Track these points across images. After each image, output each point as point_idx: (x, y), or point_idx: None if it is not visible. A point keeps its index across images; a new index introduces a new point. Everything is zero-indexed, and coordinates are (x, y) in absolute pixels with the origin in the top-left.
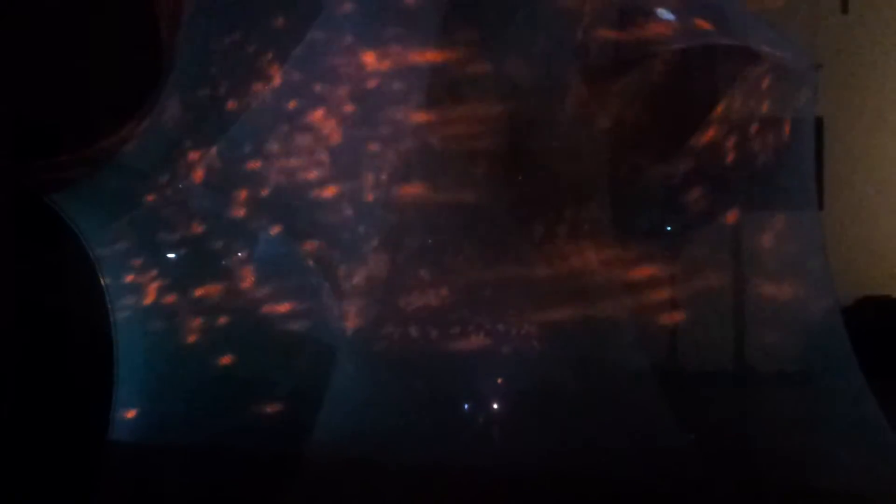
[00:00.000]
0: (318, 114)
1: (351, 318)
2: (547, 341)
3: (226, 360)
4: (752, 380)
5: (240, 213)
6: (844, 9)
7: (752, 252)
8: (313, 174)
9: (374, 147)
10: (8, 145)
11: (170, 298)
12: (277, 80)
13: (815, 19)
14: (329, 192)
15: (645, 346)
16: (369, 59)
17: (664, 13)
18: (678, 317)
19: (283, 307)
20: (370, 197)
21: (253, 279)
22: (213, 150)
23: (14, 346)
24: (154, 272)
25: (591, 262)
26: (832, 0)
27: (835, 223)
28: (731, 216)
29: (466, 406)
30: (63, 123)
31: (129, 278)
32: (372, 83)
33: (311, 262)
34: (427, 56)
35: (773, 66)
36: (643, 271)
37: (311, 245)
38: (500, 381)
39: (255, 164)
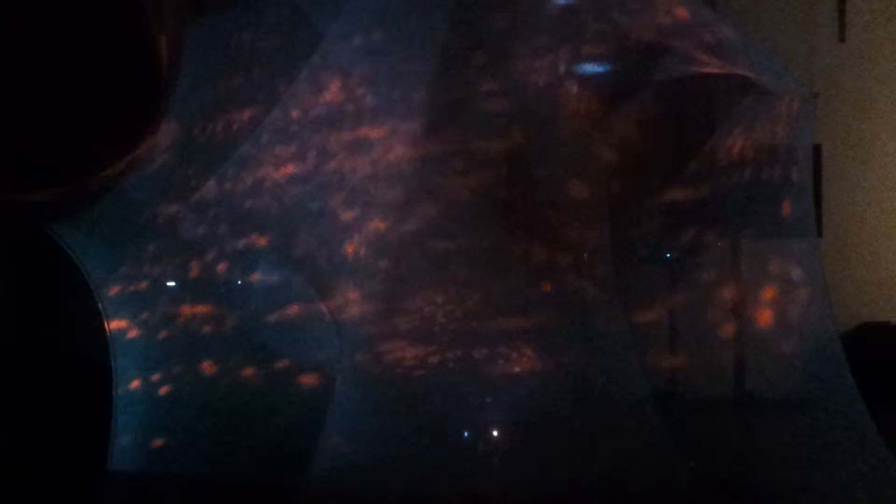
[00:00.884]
0: (316, 144)
1: (349, 344)
2: (546, 369)
3: (224, 388)
4: (752, 406)
5: (237, 239)
6: (841, 38)
7: (752, 279)
8: (312, 202)
9: (372, 175)
10: (8, 175)
11: (168, 327)
12: (277, 111)
13: (813, 48)
14: (328, 218)
15: (645, 374)
16: (368, 92)
17: None
18: (678, 344)
19: (282, 333)
20: (369, 224)
21: (251, 305)
22: (212, 178)
23: (12, 374)
24: (153, 300)
25: (591, 288)
26: (829, 30)
27: (834, 250)
28: (731, 243)
29: (466, 434)
30: (63, 153)
31: (127, 306)
32: (371, 114)
33: (309, 288)
34: (427, 89)
35: (771, 95)
36: (643, 298)
37: (309, 271)
38: (499, 408)
39: (252, 192)
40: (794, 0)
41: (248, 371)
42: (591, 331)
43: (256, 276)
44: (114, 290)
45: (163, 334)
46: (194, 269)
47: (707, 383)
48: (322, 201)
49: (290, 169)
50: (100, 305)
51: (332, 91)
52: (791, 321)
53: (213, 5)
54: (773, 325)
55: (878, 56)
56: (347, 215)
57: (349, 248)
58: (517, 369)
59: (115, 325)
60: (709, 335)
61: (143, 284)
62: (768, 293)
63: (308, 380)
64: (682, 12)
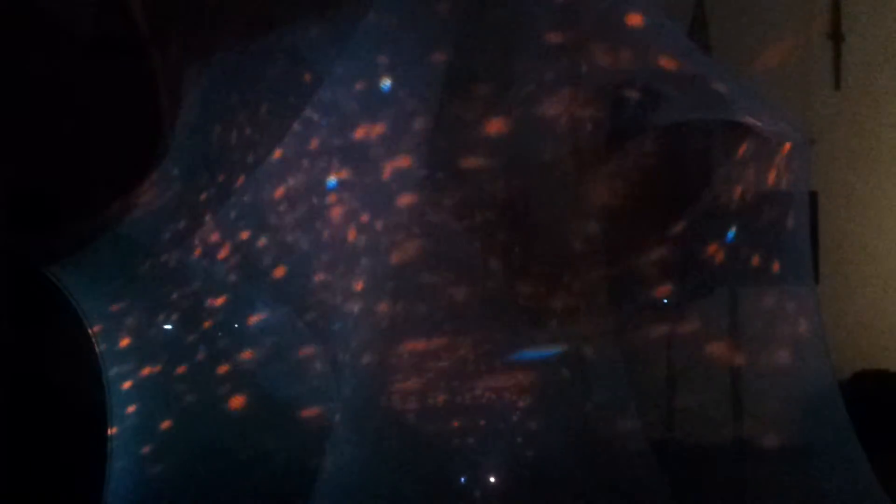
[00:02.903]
0: (316, 186)
1: (347, 385)
2: (543, 415)
3: (221, 430)
4: (750, 453)
5: (236, 280)
6: (837, 84)
7: (749, 325)
8: (313, 245)
9: (371, 219)
10: (5, 216)
11: (166, 367)
12: (277, 153)
13: (808, 95)
14: (328, 262)
15: (642, 419)
16: (369, 130)
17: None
18: (675, 389)
19: (280, 376)
20: (368, 267)
21: (250, 348)
22: (213, 222)
23: (7, 417)
24: (150, 342)
25: (587, 334)
26: (824, 76)
27: (831, 296)
28: (727, 289)
29: (463, 479)
30: (62, 195)
31: (124, 345)
32: (371, 156)
33: (308, 331)
34: (427, 125)
35: (767, 141)
36: (640, 344)
37: (308, 314)
38: (499, 446)
39: (253, 235)
40: (790, 46)
41: (248, 412)
42: (590, 377)
43: (255, 318)
44: (111, 333)
45: (160, 375)
46: (192, 311)
47: (705, 430)
48: (323, 243)
49: (291, 212)
50: (97, 348)
51: (334, 134)
52: (788, 368)
53: (214, 52)
54: (771, 371)
55: (874, 103)
56: (348, 259)
57: (349, 291)
58: (514, 416)
59: (111, 368)
60: (706, 382)
61: (141, 328)
62: (765, 340)
63: (307, 421)
64: (679, 58)
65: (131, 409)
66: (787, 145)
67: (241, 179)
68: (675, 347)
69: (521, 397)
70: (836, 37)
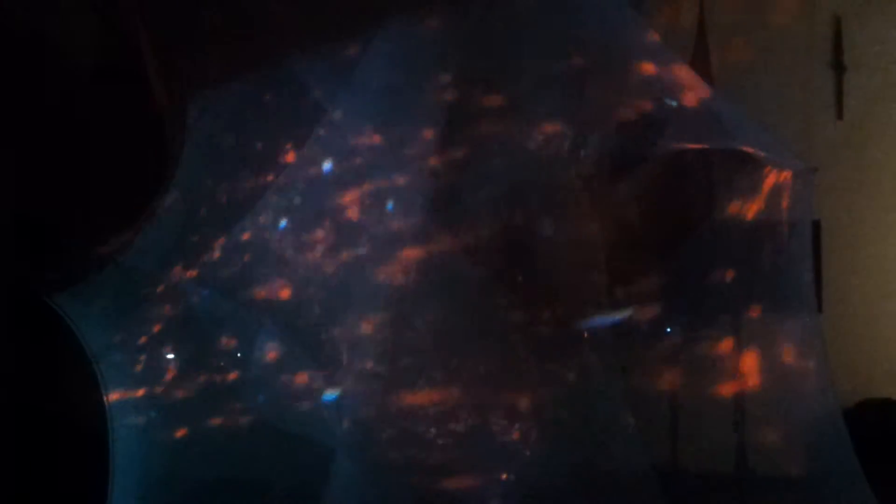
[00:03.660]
0: (318, 213)
1: (349, 416)
2: (546, 444)
3: (223, 458)
4: (753, 484)
5: (238, 309)
6: (839, 114)
7: (752, 354)
8: (314, 272)
9: (376, 252)
10: (9, 245)
11: (167, 398)
12: (282, 179)
13: (811, 125)
14: (330, 290)
15: (645, 449)
16: (370, 171)
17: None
18: (679, 419)
19: (281, 404)
20: (371, 298)
21: (251, 375)
22: (216, 250)
23: (8, 444)
24: (152, 371)
25: (590, 363)
26: (827, 106)
27: (834, 325)
28: (731, 318)
29: None
30: (65, 224)
31: (126, 378)
32: (372, 185)
33: (309, 360)
34: (428, 159)
35: (770, 169)
36: (643, 373)
37: (310, 342)
38: (503, 476)
39: (254, 264)
40: (793, 78)
41: (250, 442)
42: (593, 407)
43: (257, 348)
44: (113, 362)
45: (162, 406)
46: (195, 340)
47: (708, 460)
48: (325, 273)
49: (291, 242)
50: (98, 377)
51: (337, 165)
52: (792, 397)
53: (217, 79)
54: (775, 401)
55: (876, 132)
56: (350, 289)
57: (350, 320)
58: (516, 444)
59: (113, 396)
60: (709, 411)
61: (143, 356)
62: (769, 369)
63: (308, 453)
64: (682, 88)
65: (133, 438)
66: (790, 174)
67: (244, 208)
68: (677, 376)
69: (521, 424)
70: (838, 67)
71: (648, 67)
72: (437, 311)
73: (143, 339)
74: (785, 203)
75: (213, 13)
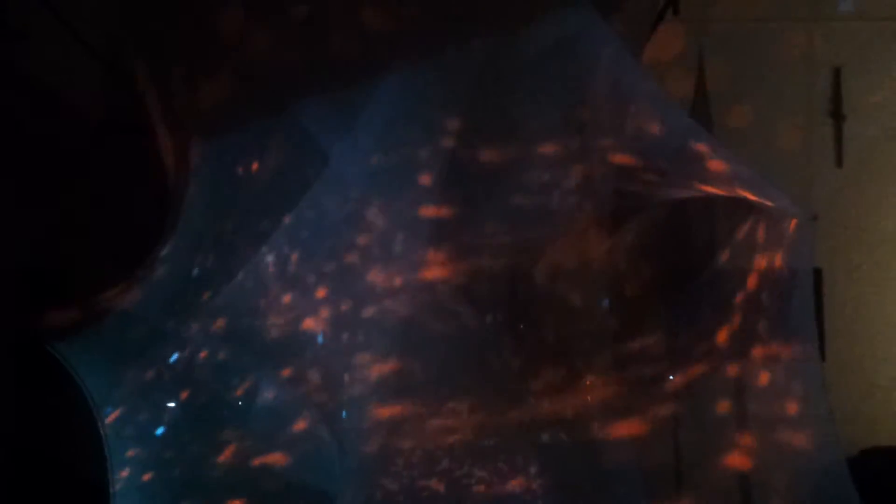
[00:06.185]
0: (321, 257)
1: (352, 464)
2: (550, 491)
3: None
4: None
5: (239, 360)
6: (839, 162)
7: (755, 402)
8: (316, 324)
9: (377, 303)
10: (11, 292)
11: (169, 447)
12: (285, 225)
13: (810, 172)
14: (331, 339)
15: (649, 494)
16: (372, 217)
17: None
18: (682, 464)
19: (282, 455)
20: (371, 344)
21: (253, 424)
22: (219, 297)
23: (9, 491)
24: (153, 420)
25: (594, 410)
26: (826, 154)
27: (837, 374)
28: (733, 366)
29: None
30: (67, 272)
31: (128, 427)
32: (373, 239)
33: (309, 402)
34: (429, 212)
35: (771, 217)
36: (647, 419)
37: (312, 390)
38: None
39: (255, 315)
40: (792, 125)
41: (252, 483)
42: (596, 454)
43: (259, 399)
44: (114, 412)
45: (164, 456)
46: (197, 388)
47: None
48: (328, 317)
49: (295, 288)
50: (100, 425)
51: (340, 215)
52: (796, 446)
53: (219, 129)
54: (778, 450)
55: (876, 180)
56: (350, 341)
57: (351, 359)
58: (518, 492)
59: (114, 444)
60: (713, 458)
61: (144, 405)
62: (772, 416)
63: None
64: (683, 135)
65: (134, 488)
66: (791, 222)
67: (246, 255)
68: (681, 421)
69: (525, 471)
70: (837, 115)
71: (650, 115)
72: (444, 364)
73: (144, 387)
74: (785, 251)
75: (218, 61)
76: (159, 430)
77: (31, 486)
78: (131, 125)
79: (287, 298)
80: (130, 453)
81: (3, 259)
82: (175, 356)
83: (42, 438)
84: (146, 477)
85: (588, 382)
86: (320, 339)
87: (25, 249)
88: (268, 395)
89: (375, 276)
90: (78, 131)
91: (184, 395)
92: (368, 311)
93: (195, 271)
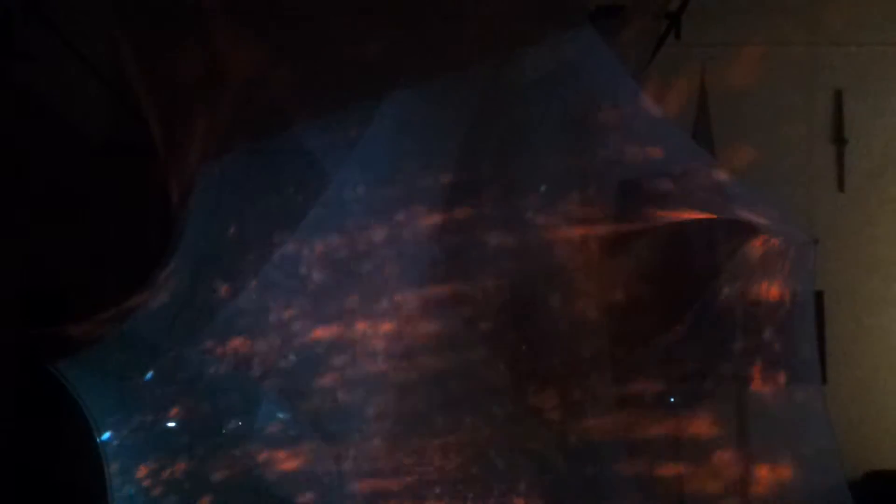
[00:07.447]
0: (323, 282)
1: (351, 484)
2: None
3: None
4: None
5: (242, 378)
6: (840, 186)
7: (756, 424)
8: (316, 346)
9: (371, 322)
10: (13, 313)
11: (169, 467)
12: (286, 248)
13: (812, 196)
14: (331, 360)
15: None
16: (372, 237)
17: None
18: (684, 489)
19: (284, 470)
20: (372, 368)
21: (254, 446)
22: (220, 318)
23: None
24: (153, 440)
25: (594, 433)
26: (828, 179)
27: (839, 397)
28: (734, 388)
29: None
30: (69, 293)
31: (127, 446)
32: (372, 264)
33: (311, 427)
34: (429, 231)
35: (772, 241)
36: (648, 443)
37: (311, 409)
38: None
39: (260, 332)
40: (794, 150)
41: None
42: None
43: (259, 420)
44: (114, 431)
45: (163, 475)
46: (198, 409)
47: None
48: (330, 342)
49: (296, 311)
50: (99, 443)
51: (341, 241)
52: (798, 470)
53: (222, 152)
54: (780, 475)
55: (876, 204)
56: (350, 368)
57: (353, 387)
58: None
59: (114, 464)
60: (714, 484)
61: (145, 425)
62: (773, 440)
63: None
64: (685, 159)
65: (132, 500)
66: (793, 245)
67: (248, 276)
68: (682, 445)
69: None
70: (839, 140)
71: (651, 140)
72: (442, 390)
73: (145, 408)
74: (787, 274)
75: (219, 83)
76: (158, 448)
77: (31, 502)
78: (133, 146)
79: (290, 323)
80: (130, 470)
81: (4, 279)
82: (175, 375)
83: (42, 456)
84: (145, 493)
85: (589, 400)
86: (322, 364)
87: (27, 270)
88: (268, 414)
89: (379, 302)
90: (79, 153)
91: (183, 413)
92: (371, 338)
93: (195, 292)
